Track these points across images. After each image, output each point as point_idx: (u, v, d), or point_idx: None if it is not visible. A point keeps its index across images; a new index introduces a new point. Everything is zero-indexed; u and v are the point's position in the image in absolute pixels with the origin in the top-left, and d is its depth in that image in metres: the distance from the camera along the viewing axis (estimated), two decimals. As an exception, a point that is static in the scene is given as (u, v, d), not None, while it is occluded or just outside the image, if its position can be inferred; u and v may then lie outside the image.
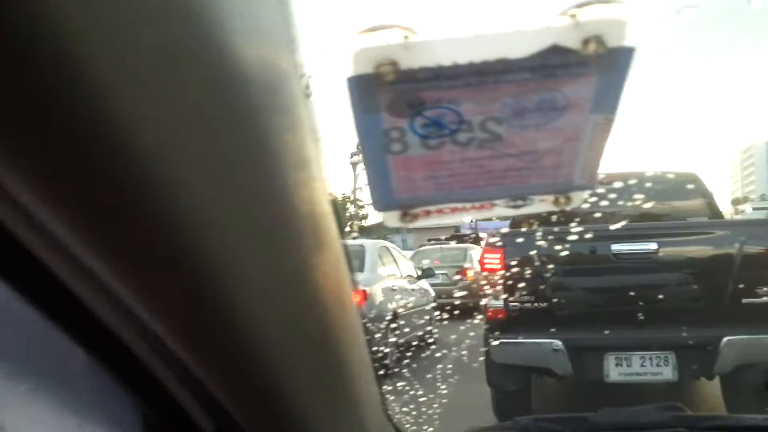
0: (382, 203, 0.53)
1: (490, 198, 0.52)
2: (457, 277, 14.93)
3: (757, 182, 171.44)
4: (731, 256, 5.23)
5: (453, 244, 19.67)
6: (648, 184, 6.96)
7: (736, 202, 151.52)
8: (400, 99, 0.44)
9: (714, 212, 6.70)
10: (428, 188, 0.50)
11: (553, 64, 0.42)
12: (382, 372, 7.35)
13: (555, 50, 0.41)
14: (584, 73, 0.43)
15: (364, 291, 8.49)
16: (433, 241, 21.80)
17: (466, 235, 27.17)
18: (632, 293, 5.38)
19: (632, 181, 6.93)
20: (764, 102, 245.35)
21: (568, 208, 0.55)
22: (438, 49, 0.42)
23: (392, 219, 0.52)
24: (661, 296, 5.42)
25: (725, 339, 5.09)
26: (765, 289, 5.13)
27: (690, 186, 6.87)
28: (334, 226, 0.53)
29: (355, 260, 9.26)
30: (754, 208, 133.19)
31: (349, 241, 11.14)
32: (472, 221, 64.03)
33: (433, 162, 0.48)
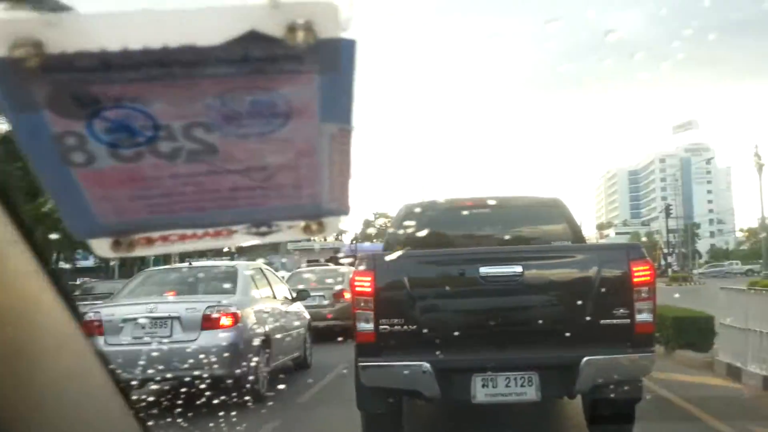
0: (82, 228, 0.42)
1: (225, 223, 0.43)
2: (334, 299, 14.86)
3: (620, 208, 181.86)
4: (591, 278, 5.43)
5: (332, 266, 19.62)
6: (514, 209, 7.17)
7: (601, 227, 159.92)
8: (62, 93, 0.34)
9: (576, 236, 6.95)
10: (140, 210, 0.40)
11: (257, 55, 0.34)
12: (249, 398, 7.16)
13: (255, 38, 0.33)
14: (300, 70, 0.36)
15: (235, 314, 8.26)
16: (312, 263, 21.69)
17: (346, 257, 27.19)
18: (499, 315, 5.49)
19: (498, 206, 7.12)
20: (627, 132, 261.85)
21: (320, 237, 0.48)
22: (96, 26, 0.32)
23: (102, 248, 0.43)
24: (525, 318, 5.56)
25: (585, 359, 5.26)
26: (621, 310, 5.35)
27: (553, 211, 7.12)
28: (27, 257, 0.44)
29: (228, 282, 9.01)
30: (617, 233, 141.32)
31: (222, 263, 10.83)
32: (352, 243, 64.07)
33: (135, 178, 0.39)
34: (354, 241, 64.54)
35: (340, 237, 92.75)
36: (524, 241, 6.86)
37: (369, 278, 5.38)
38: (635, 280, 5.36)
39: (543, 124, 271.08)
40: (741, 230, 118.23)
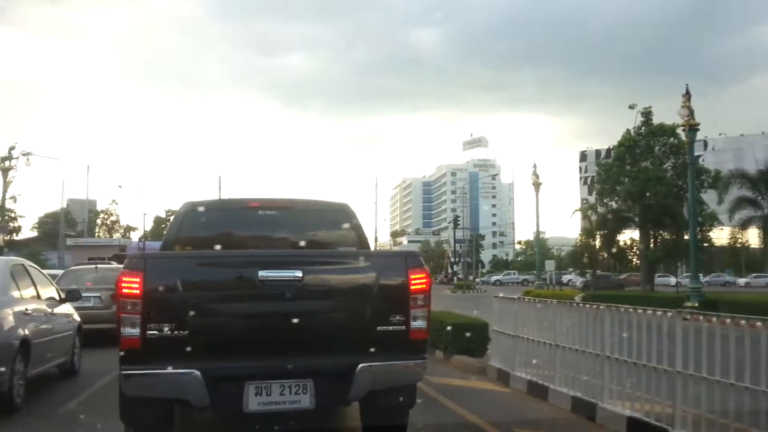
0: None
1: None
2: (111, 301, 13.88)
3: (413, 217, 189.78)
4: (369, 285, 5.41)
5: (114, 264, 18.27)
6: (301, 212, 7.05)
7: (395, 234, 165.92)
8: None
9: (362, 243, 6.96)
10: None
11: None
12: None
13: None
14: None
15: (-12, 315, 7.39)
16: (93, 261, 20.15)
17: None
18: (276, 321, 5.31)
19: (284, 209, 6.96)
20: (423, 144, 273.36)
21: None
22: None
23: None
24: (303, 324, 5.41)
25: (360, 366, 5.23)
26: (398, 317, 5.38)
27: (340, 216, 7.09)
28: None
29: (-19, 280, 8.06)
30: (409, 241, 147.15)
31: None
32: (140, 240, 61.20)
33: None
34: (142, 239, 61.75)
35: (128, 234, 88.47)
36: (309, 245, 6.75)
37: (137, 279, 4.98)
38: (412, 287, 5.43)
39: (329, 132, 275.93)
40: (519, 242, 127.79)
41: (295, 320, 5.35)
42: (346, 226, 7.01)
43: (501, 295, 11.00)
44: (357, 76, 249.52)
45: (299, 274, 5.22)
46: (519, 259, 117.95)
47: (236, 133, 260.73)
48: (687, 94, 27.51)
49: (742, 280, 65.36)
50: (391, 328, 5.36)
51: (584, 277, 56.30)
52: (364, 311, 5.36)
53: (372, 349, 5.29)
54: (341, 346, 5.32)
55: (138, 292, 4.97)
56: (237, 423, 6.18)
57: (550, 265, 56.40)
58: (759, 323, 5.58)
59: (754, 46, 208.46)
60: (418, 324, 5.42)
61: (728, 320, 5.89)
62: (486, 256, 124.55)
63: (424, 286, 5.48)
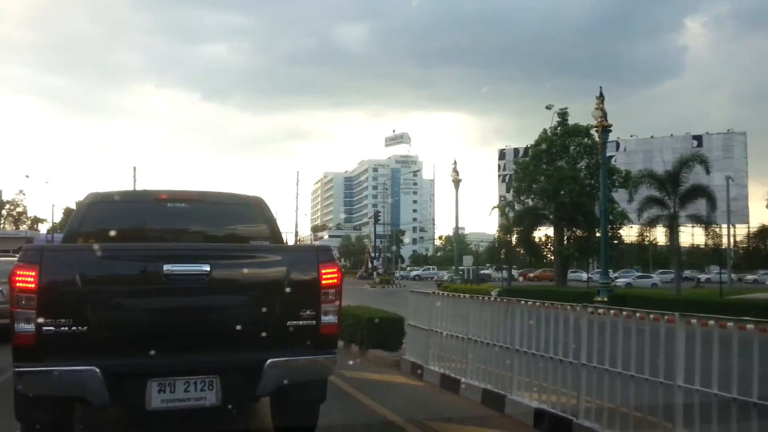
0: None
1: None
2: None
3: (335, 212, 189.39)
4: (280, 280, 5.33)
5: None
6: (213, 205, 6.89)
7: (316, 229, 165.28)
8: None
9: (275, 237, 6.85)
10: None
11: None
12: None
13: None
14: None
15: None
16: (-3, 253, 19.23)
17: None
18: (182, 316, 5.17)
19: (194, 201, 6.79)
20: (347, 139, 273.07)
21: None
22: None
23: None
24: (211, 319, 5.30)
25: (268, 361, 5.15)
26: (308, 312, 5.33)
27: (254, 210, 6.96)
28: None
29: None
30: (330, 236, 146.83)
31: None
32: (48, 232, 58.80)
33: None
34: (51, 231, 59.41)
35: (35, 226, 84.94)
36: (220, 239, 6.62)
37: (32, 273, 4.75)
38: (323, 282, 5.38)
39: (262, 124, 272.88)
40: (439, 238, 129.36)
41: (202, 315, 5.22)
42: (258, 220, 6.90)
43: (416, 290, 11.08)
44: (280, 68, 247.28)
45: (207, 268, 5.09)
46: (438, 254, 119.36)
47: (154, 123, 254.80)
48: (600, 97, 28.38)
49: (648, 282, 67.32)
50: (301, 322, 5.30)
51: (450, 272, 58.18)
52: (274, 306, 5.28)
53: (281, 344, 5.23)
54: (249, 341, 5.22)
55: (33, 286, 4.74)
56: (142, 421, 6.01)
57: (468, 261, 57.29)
58: (660, 317, 5.79)
59: (663, 53, 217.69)
60: (329, 319, 5.38)
61: (636, 314, 6.08)
62: (406, 251, 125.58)
63: (335, 280, 5.43)
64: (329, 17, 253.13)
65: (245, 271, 5.43)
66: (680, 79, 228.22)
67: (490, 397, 7.78)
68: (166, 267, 4.99)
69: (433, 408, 7.85)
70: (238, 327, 5.22)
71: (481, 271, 61.28)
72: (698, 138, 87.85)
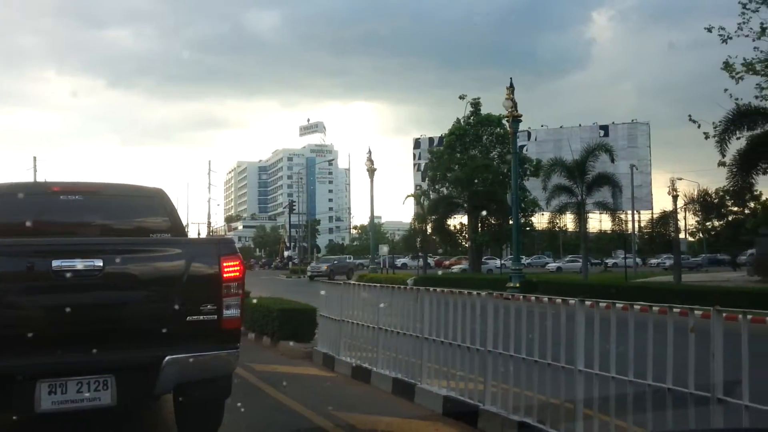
0: None
1: None
2: None
3: (249, 202, 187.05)
4: (179, 274, 5.14)
5: None
6: (108, 198, 6.61)
7: (229, 219, 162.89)
8: None
9: (176, 230, 6.63)
10: None
11: None
12: None
13: None
14: None
15: None
16: None
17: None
18: (73, 314, 4.89)
19: (90, 194, 6.49)
20: (260, 128, 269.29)
21: None
22: None
23: None
24: (105, 316, 5.07)
25: (167, 358, 4.96)
26: (209, 306, 5.16)
27: (153, 202, 6.72)
28: None
29: None
30: (244, 226, 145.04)
31: None
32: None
33: None
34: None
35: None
36: (117, 233, 6.35)
37: None
38: (225, 275, 5.22)
39: (175, 111, 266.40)
40: (355, 227, 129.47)
41: (96, 312, 4.99)
42: (158, 212, 6.65)
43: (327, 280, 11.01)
44: (190, 55, 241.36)
45: (99, 263, 4.85)
46: (355, 243, 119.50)
47: (56, 112, 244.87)
48: (511, 87, 28.95)
49: (553, 265, 69.46)
50: (201, 317, 5.13)
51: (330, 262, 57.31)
52: (173, 301, 5.09)
53: (181, 340, 5.05)
54: (147, 338, 5.02)
55: None
56: (34, 424, 5.73)
57: (383, 250, 57.63)
58: (561, 302, 5.91)
59: (571, 45, 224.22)
60: (231, 313, 5.23)
61: (540, 299, 6.19)
62: (322, 240, 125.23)
63: (237, 273, 5.28)
64: (241, 3, 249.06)
65: (141, 265, 5.20)
66: (588, 70, 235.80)
67: (400, 386, 7.79)
68: (56, 263, 4.73)
69: (343, 399, 7.81)
70: (134, 323, 5.02)
71: (398, 260, 61.78)
72: (605, 128, 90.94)
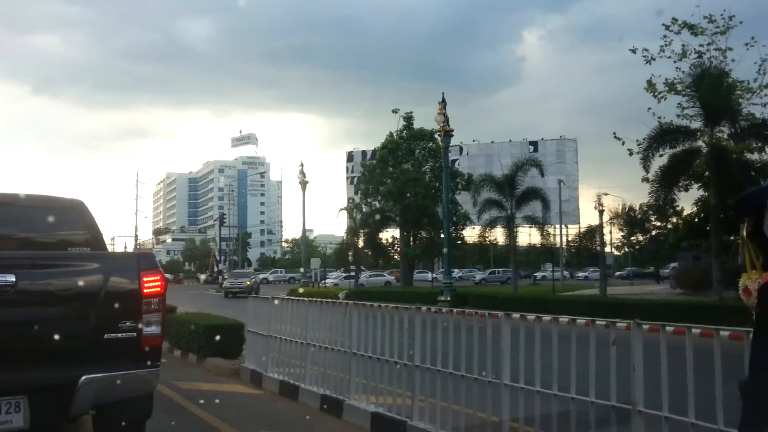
0: None
1: None
2: None
3: (178, 214, 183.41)
4: (97, 289, 4.95)
5: None
6: (23, 209, 6.33)
7: (158, 232, 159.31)
8: None
9: (96, 243, 6.40)
10: None
11: None
12: None
13: None
14: None
15: None
16: None
17: None
18: None
19: (3, 204, 6.20)
20: (190, 138, 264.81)
21: None
22: None
23: None
24: (16, 334, 4.82)
25: (83, 378, 4.75)
26: (128, 323, 4.99)
27: (72, 214, 6.47)
28: None
29: None
30: (174, 239, 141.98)
31: None
32: None
33: None
34: None
35: None
36: (31, 246, 6.08)
37: None
38: (145, 291, 5.06)
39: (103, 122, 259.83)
40: (286, 241, 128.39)
41: (6, 330, 4.75)
42: (77, 224, 6.42)
43: (256, 296, 10.83)
44: (119, 63, 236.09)
45: (12, 278, 4.63)
46: (287, 257, 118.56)
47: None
48: (443, 102, 29.24)
49: (478, 275, 71.03)
50: (120, 335, 4.95)
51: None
52: (89, 318, 4.90)
53: (98, 359, 4.85)
54: (62, 357, 4.81)
55: None
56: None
57: (315, 263, 57.28)
58: (486, 315, 5.94)
59: (503, 63, 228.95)
60: (152, 330, 5.06)
61: (465, 313, 6.21)
62: (254, 254, 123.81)
63: (158, 289, 5.13)
64: (172, 11, 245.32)
65: (56, 281, 4.98)
66: (519, 87, 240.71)
67: (328, 402, 7.69)
68: None
69: (269, 416, 7.66)
70: (48, 342, 4.78)
71: (329, 274, 61.44)
72: (534, 144, 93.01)
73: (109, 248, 9.92)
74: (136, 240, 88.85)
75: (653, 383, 4.55)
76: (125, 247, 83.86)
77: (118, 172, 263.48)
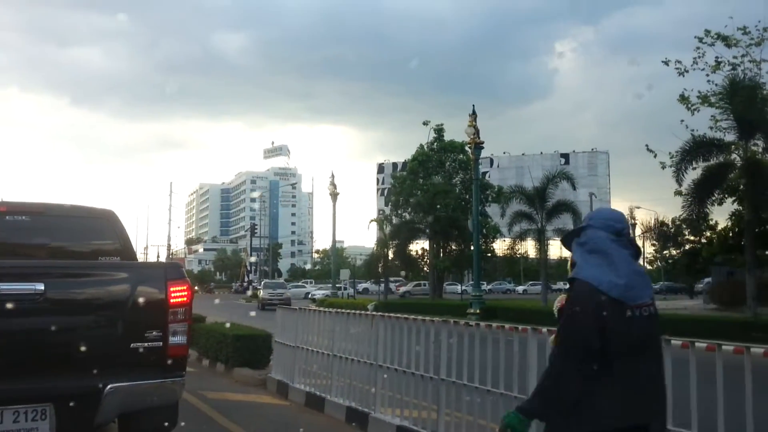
0: None
1: None
2: None
3: (210, 224, 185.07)
4: (125, 299, 5.00)
5: None
6: (56, 219, 6.42)
7: (190, 242, 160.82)
8: None
9: (126, 253, 6.47)
10: None
11: None
12: None
13: None
14: None
15: None
16: None
17: None
18: (11, 339, 4.73)
19: (38, 214, 6.30)
20: (223, 150, 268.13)
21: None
22: None
23: None
24: (45, 342, 4.88)
25: (109, 386, 4.79)
26: (155, 332, 5.02)
27: (102, 224, 6.55)
28: None
29: None
30: (205, 249, 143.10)
31: None
32: None
33: None
34: None
35: None
36: (64, 255, 6.16)
37: None
38: (172, 301, 5.09)
39: (139, 133, 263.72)
40: (317, 252, 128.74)
41: (35, 338, 4.81)
42: (108, 234, 6.49)
43: (284, 306, 10.84)
44: (157, 75, 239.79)
45: (41, 287, 4.69)
46: (317, 268, 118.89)
47: (16, 129, 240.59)
48: (473, 114, 29.19)
49: (520, 288, 70.76)
50: (146, 344, 4.98)
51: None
52: (116, 327, 4.95)
53: (124, 368, 4.89)
54: (88, 365, 4.84)
55: None
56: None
57: (345, 275, 57.33)
58: (514, 329, 5.87)
59: (535, 75, 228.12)
60: (177, 340, 5.10)
61: (500, 327, 6.15)
62: (284, 264, 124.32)
63: (184, 299, 5.16)
64: (209, 24, 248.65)
65: (85, 290, 5.05)
66: (550, 99, 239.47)
67: (353, 414, 7.67)
68: None
69: (295, 428, 7.64)
70: (76, 350, 4.83)
71: (360, 285, 61.46)
72: (565, 156, 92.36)
73: (142, 257, 10.02)
74: (168, 249, 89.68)
75: (681, 401, 4.46)
76: (158, 257, 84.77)
77: (153, 182, 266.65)
